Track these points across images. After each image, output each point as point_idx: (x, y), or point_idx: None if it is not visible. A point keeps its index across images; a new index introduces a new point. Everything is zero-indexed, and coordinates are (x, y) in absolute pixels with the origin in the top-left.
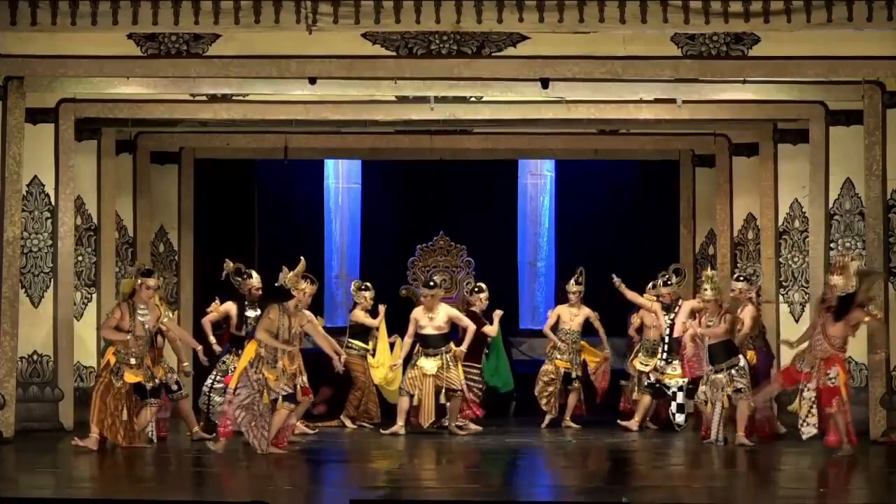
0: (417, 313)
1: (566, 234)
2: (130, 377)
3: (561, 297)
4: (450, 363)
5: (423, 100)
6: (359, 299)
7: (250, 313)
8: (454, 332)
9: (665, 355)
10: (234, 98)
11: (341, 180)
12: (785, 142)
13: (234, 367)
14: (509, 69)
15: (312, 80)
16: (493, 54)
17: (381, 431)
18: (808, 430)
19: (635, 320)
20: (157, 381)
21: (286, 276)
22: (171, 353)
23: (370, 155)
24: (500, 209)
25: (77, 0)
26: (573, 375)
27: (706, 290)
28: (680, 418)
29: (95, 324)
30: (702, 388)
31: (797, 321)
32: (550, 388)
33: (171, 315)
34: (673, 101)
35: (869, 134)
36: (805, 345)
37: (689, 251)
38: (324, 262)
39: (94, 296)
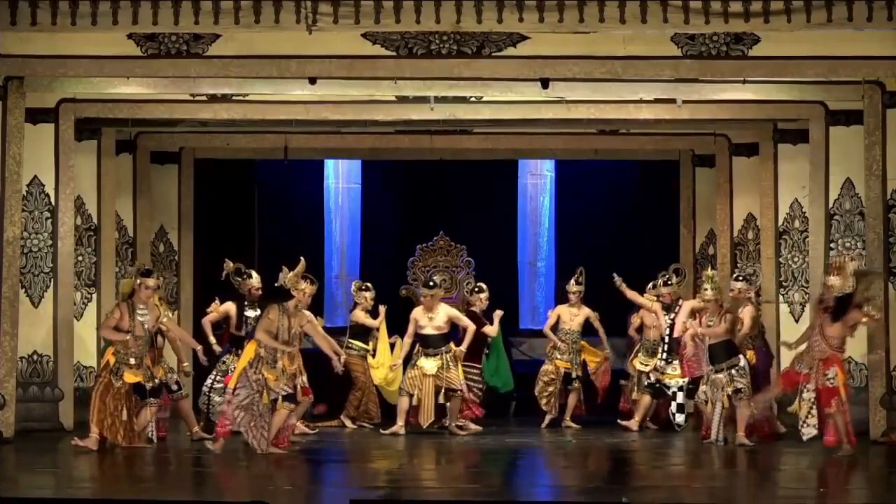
0: (417, 313)
1: (566, 234)
2: (130, 377)
3: (561, 297)
4: (450, 363)
5: (423, 100)
6: (359, 300)
7: (250, 313)
8: (454, 332)
9: (665, 355)
10: (234, 98)
11: (341, 180)
12: (785, 142)
13: (234, 368)
14: (509, 69)
15: (312, 80)
16: (493, 54)
17: (381, 431)
18: (809, 430)
19: (635, 320)
20: (156, 380)
21: (286, 277)
22: (171, 353)
23: (370, 155)
24: (500, 209)
25: (77, 0)
26: (573, 375)
27: (706, 289)
28: (680, 418)
29: (95, 324)
30: (702, 387)
31: (797, 321)
32: (550, 388)
33: (170, 315)
34: (673, 101)
35: (869, 134)
36: (804, 346)
37: (689, 251)
38: (324, 262)
39: (94, 296)
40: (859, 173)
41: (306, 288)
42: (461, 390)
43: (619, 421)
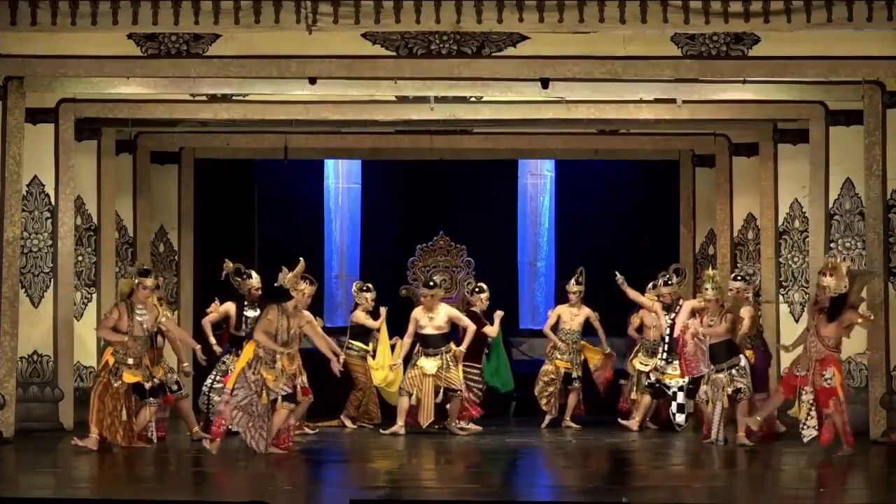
0: (417, 313)
1: (566, 234)
2: (129, 377)
3: (561, 297)
4: (450, 363)
5: (423, 100)
6: (360, 300)
7: (250, 313)
8: (454, 332)
9: (666, 355)
10: (234, 98)
11: (341, 180)
12: (785, 142)
13: (234, 368)
14: (509, 69)
15: (312, 80)
16: (493, 54)
17: (381, 431)
18: (809, 432)
19: (635, 320)
20: (155, 380)
21: (285, 277)
22: (171, 353)
23: (370, 155)
24: (500, 209)
25: (77, 0)
26: (573, 375)
27: (707, 289)
28: (680, 418)
29: (95, 324)
30: (703, 387)
31: (797, 321)
32: (551, 389)
33: (169, 315)
34: (673, 101)
35: (869, 134)
36: (801, 348)
37: (689, 251)
38: (324, 263)
39: (94, 296)
40: (859, 173)
41: (305, 288)
42: (461, 390)
43: (619, 420)
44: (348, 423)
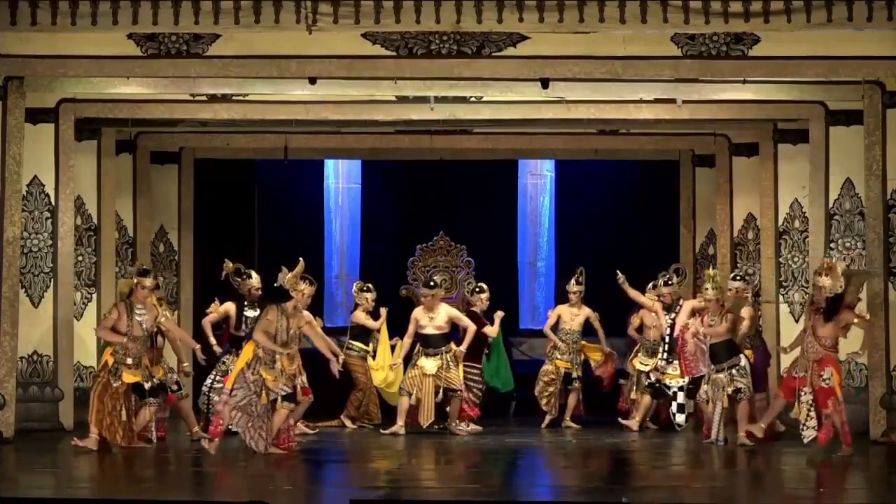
0: (418, 313)
1: (566, 234)
2: (128, 377)
3: (561, 297)
4: (450, 363)
5: (423, 100)
6: (360, 301)
7: (250, 313)
8: (455, 332)
9: (666, 355)
10: (234, 98)
11: (341, 180)
12: (785, 142)
13: (234, 368)
14: (509, 69)
15: (312, 80)
16: (493, 54)
17: (381, 431)
18: (809, 433)
19: (635, 320)
20: (155, 380)
21: (285, 277)
22: (171, 353)
23: (370, 155)
24: (500, 209)
25: (77, 0)
26: (573, 375)
27: (707, 289)
28: (680, 418)
29: (95, 324)
30: (704, 387)
31: (797, 321)
32: (551, 389)
33: (168, 315)
34: (673, 101)
35: (869, 134)
36: (798, 350)
37: (689, 251)
38: (324, 263)
39: (94, 296)
40: (859, 173)
41: (305, 289)
42: (461, 390)
43: (619, 420)
44: (348, 423)
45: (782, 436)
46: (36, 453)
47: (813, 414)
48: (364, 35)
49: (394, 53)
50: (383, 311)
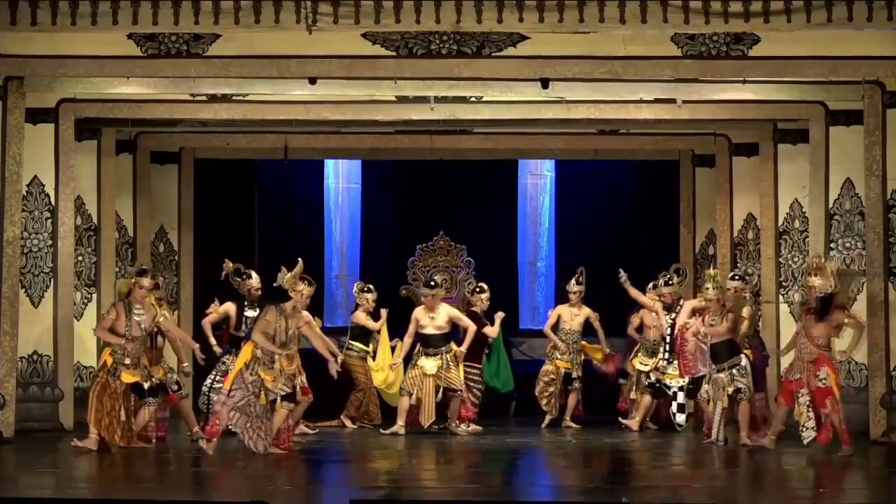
0: (418, 313)
1: (566, 234)
2: (127, 377)
3: (561, 297)
4: (450, 363)
5: (423, 100)
6: (361, 301)
7: (250, 314)
8: (455, 332)
9: (667, 355)
10: (234, 98)
11: (341, 180)
12: (785, 142)
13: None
14: (509, 69)
15: (312, 80)
16: (493, 54)
17: (381, 431)
18: (808, 434)
19: (635, 320)
20: (154, 380)
21: (284, 277)
22: (171, 353)
23: (370, 155)
24: (500, 209)
25: (77, 0)
26: (573, 375)
27: (708, 288)
28: (680, 418)
29: (95, 324)
30: (705, 386)
31: (797, 321)
32: (551, 389)
33: (167, 315)
34: (673, 101)
35: (869, 134)
36: (793, 351)
37: (689, 251)
38: (324, 263)
39: (94, 296)
40: (859, 173)
41: (304, 289)
42: (461, 390)
43: (619, 420)
44: (348, 423)
45: (782, 435)
46: (36, 453)
47: (811, 415)
48: (364, 35)
49: (394, 53)
50: (384, 312)
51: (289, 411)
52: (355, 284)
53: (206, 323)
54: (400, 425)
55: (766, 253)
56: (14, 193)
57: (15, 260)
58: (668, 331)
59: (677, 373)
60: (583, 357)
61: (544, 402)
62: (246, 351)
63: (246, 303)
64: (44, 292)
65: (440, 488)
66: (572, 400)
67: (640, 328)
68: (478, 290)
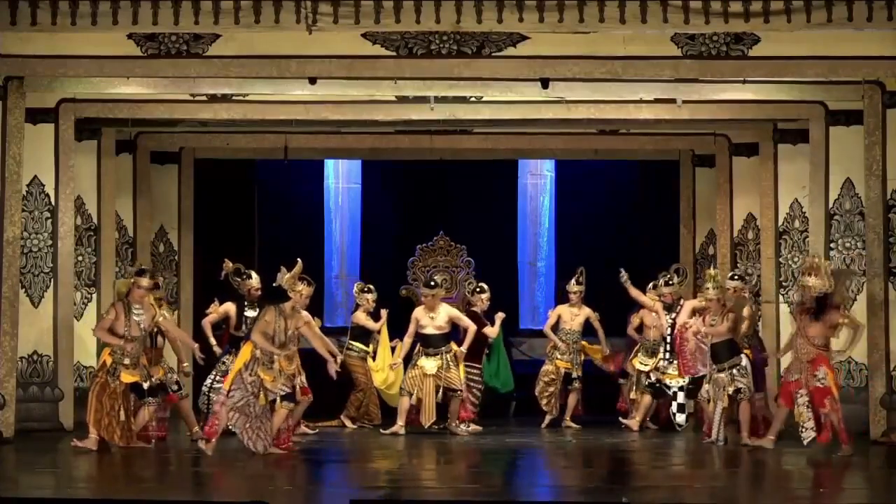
0: (418, 313)
1: (566, 234)
2: (126, 377)
3: (561, 297)
4: (450, 363)
5: (423, 100)
6: (361, 301)
7: (250, 314)
8: (455, 332)
9: (668, 355)
10: (234, 98)
11: (341, 180)
12: (785, 142)
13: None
14: (509, 69)
15: (312, 80)
16: (493, 54)
17: (381, 431)
18: (808, 434)
19: (634, 320)
20: (153, 379)
21: (283, 278)
22: (171, 354)
23: (370, 155)
24: (500, 209)
25: (77, 0)
26: (573, 375)
27: (709, 288)
28: (680, 418)
29: (95, 324)
30: (705, 386)
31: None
32: (551, 389)
33: (166, 315)
34: (673, 101)
35: (869, 134)
36: (790, 353)
37: (689, 251)
38: (324, 263)
39: (94, 296)
40: (859, 173)
41: (303, 289)
42: (461, 390)
43: (620, 419)
44: (348, 423)
45: (781, 435)
46: (36, 453)
47: (810, 415)
48: (364, 35)
49: (394, 53)
50: (384, 312)
51: (288, 411)
52: (355, 284)
53: (206, 323)
54: (400, 425)
55: (766, 253)
56: (14, 193)
57: (15, 260)
58: (669, 331)
59: (677, 373)
60: (583, 357)
61: (544, 402)
62: (245, 351)
63: (246, 303)
64: (44, 292)
65: (440, 488)
66: (572, 400)
67: (640, 328)
68: (478, 290)
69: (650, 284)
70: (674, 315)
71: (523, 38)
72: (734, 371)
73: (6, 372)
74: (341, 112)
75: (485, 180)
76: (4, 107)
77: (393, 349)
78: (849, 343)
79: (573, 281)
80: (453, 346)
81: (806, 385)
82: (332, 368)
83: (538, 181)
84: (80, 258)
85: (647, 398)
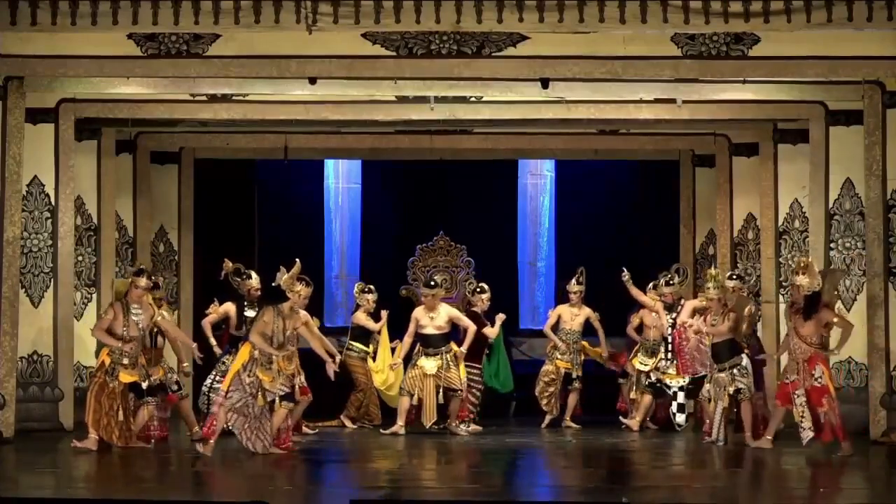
0: (418, 313)
1: (566, 234)
2: (125, 377)
3: (561, 297)
4: (450, 363)
5: (423, 100)
6: (361, 301)
7: (250, 314)
8: (455, 332)
9: (669, 355)
10: (234, 98)
11: (341, 180)
12: (785, 142)
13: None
14: (509, 69)
15: (312, 80)
16: (493, 54)
17: (381, 431)
18: (806, 433)
19: (634, 320)
20: (153, 379)
21: (282, 278)
22: (171, 354)
23: (370, 155)
24: (500, 209)
25: (77, 0)
26: (573, 375)
27: (710, 288)
28: (680, 418)
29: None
30: (706, 385)
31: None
32: (551, 389)
33: (164, 315)
34: (673, 101)
35: (869, 134)
36: (786, 354)
37: (689, 251)
38: (324, 262)
39: (94, 296)
40: (859, 173)
41: (301, 289)
42: (461, 390)
43: (620, 419)
44: (348, 423)
45: (779, 435)
46: (36, 453)
47: (808, 414)
48: (364, 35)
49: (394, 53)
50: (384, 313)
51: (288, 411)
52: (356, 285)
53: (206, 323)
54: (400, 425)
55: (766, 253)
56: (14, 193)
57: (15, 260)
58: (669, 331)
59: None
60: (583, 357)
61: (544, 402)
62: (243, 352)
63: (246, 303)
64: (44, 292)
65: (440, 488)
66: (572, 400)
67: (640, 328)
68: (478, 290)
69: (650, 284)
70: (674, 315)
71: (523, 38)
72: (735, 371)
73: (6, 372)
74: (341, 112)
75: (485, 180)
76: (4, 107)
77: (393, 350)
78: (840, 343)
79: (573, 281)
80: (453, 346)
81: (803, 385)
82: (331, 369)
83: (538, 181)
84: (80, 258)
85: (648, 398)
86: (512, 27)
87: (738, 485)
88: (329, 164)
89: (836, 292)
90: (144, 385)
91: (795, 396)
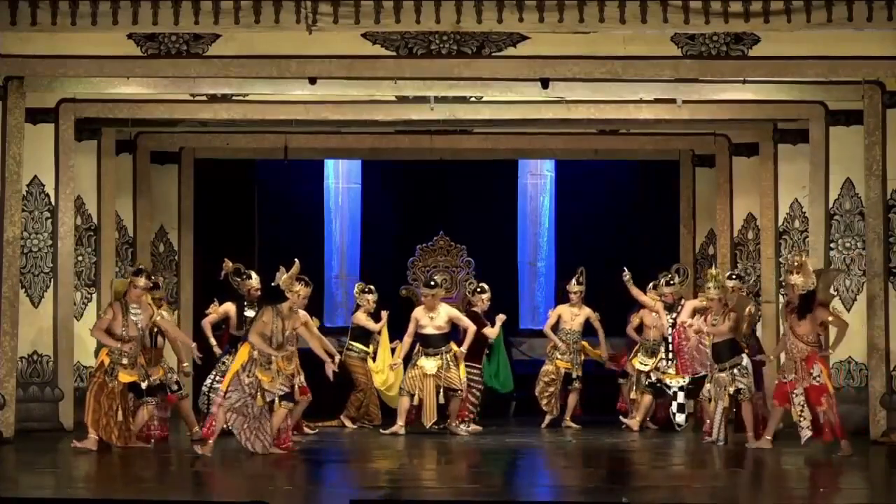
0: (418, 313)
1: (566, 234)
2: (124, 377)
3: (561, 297)
4: (450, 363)
5: (423, 100)
6: (361, 302)
7: (249, 314)
8: (455, 332)
9: (669, 355)
10: (234, 98)
11: (341, 180)
12: (785, 142)
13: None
14: (509, 69)
15: (312, 80)
16: (493, 54)
17: (381, 431)
18: (805, 433)
19: (634, 320)
20: (152, 379)
21: (281, 278)
22: (171, 354)
23: (370, 155)
24: (500, 209)
25: (77, 0)
26: (573, 375)
27: (710, 288)
28: (680, 418)
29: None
30: (707, 385)
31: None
32: (551, 389)
33: (164, 315)
34: (673, 101)
35: (869, 134)
36: (783, 354)
37: (689, 251)
38: (324, 262)
39: (94, 296)
40: (859, 173)
41: (300, 290)
42: (461, 390)
43: (620, 419)
44: (348, 423)
45: (778, 435)
46: (36, 453)
47: (806, 414)
48: (364, 35)
49: (394, 53)
50: (384, 314)
51: (288, 411)
52: (356, 285)
53: (206, 323)
54: (400, 425)
55: (766, 253)
56: (14, 193)
57: (15, 260)
58: (669, 331)
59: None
60: (583, 357)
61: (544, 402)
62: (242, 352)
63: (246, 303)
64: (44, 292)
65: (440, 488)
66: (572, 400)
67: (640, 328)
68: (479, 290)
69: (650, 284)
70: (675, 315)
71: (523, 38)
72: (735, 371)
73: (6, 372)
74: (341, 112)
75: (485, 180)
76: (4, 107)
77: (393, 350)
78: (835, 342)
79: (573, 281)
80: (453, 346)
81: (801, 384)
82: (330, 369)
83: (538, 181)
84: (80, 258)
85: (648, 398)
86: (512, 27)
87: (738, 485)
88: (329, 164)
89: (831, 291)
90: (144, 385)
91: (794, 396)
